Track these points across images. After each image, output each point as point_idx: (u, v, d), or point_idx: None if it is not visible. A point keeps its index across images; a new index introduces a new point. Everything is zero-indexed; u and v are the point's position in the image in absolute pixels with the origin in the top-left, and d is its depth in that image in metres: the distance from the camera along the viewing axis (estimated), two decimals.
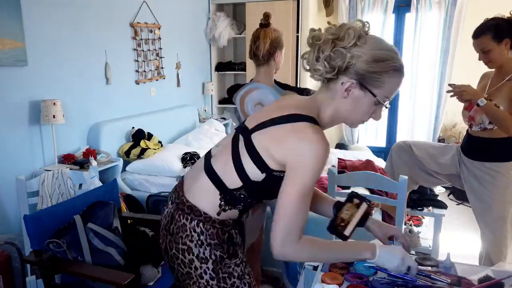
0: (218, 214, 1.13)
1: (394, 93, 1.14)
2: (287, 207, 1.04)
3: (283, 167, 1.04)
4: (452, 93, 2.01)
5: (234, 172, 1.09)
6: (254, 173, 1.07)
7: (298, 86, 2.09)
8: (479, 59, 2.06)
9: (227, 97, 5.10)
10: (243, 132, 1.12)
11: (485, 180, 2.06)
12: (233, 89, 2.08)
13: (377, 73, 1.07)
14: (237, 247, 1.20)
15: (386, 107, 1.11)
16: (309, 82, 4.25)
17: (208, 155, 1.20)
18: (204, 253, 1.13)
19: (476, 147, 2.11)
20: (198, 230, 1.13)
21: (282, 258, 1.09)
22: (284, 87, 2.05)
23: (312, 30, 1.07)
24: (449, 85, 2.00)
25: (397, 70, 1.13)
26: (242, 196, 1.11)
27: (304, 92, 2.00)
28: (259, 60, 1.98)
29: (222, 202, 1.12)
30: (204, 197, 1.14)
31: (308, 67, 1.09)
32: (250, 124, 1.12)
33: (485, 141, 2.05)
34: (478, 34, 2.01)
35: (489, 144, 2.04)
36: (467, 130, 2.19)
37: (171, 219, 1.18)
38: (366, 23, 1.10)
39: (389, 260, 1.14)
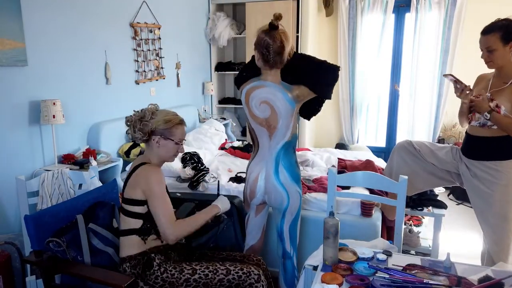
0: (138, 247, 1.68)
1: (184, 136, 1.77)
2: (157, 210, 1.63)
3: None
4: (458, 89, 2.03)
5: (132, 219, 1.67)
6: (139, 210, 1.66)
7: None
8: (482, 57, 2.05)
9: (227, 97, 5.11)
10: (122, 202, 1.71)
11: (485, 179, 2.06)
12: (241, 80, 2.04)
13: (169, 129, 1.70)
14: (148, 265, 1.68)
15: (182, 145, 1.76)
16: None
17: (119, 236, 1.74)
18: (135, 276, 1.65)
19: (476, 146, 2.11)
20: (128, 269, 1.66)
21: (176, 238, 1.62)
22: (292, 75, 1.94)
23: (126, 117, 1.72)
24: (457, 81, 2.00)
25: (179, 124, 1.74)
26: (148, 226, 1.68)
27: (324, 64, 2.06)
28: (270, 64, 1.88)
29: (141, 237, 1.67)
30: (127, 239, 1.68)
31: (131, 138, 1.71)
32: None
33: (485, 140, 2.05)
34: (488, 31, 2.00)
35: (489, 143, 2.04)
36: (466, 131, 2.19)
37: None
38: (155, 105, 1.78)
39: (224, 203, 1.84)
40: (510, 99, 1.94)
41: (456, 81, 2.05)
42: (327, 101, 2.09)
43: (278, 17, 1.86)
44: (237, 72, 2.16)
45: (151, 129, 1.68)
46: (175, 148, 1.73)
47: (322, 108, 2.09)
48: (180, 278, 1.65)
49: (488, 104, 1.94)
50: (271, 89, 1.91)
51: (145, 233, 1.66)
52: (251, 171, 2.03)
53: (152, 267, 1.66)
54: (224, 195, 1.95)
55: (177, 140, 1.72)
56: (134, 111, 1.74)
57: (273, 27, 1.86)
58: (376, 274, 1.39)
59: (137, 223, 1.65)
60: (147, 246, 1.67)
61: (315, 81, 1.94)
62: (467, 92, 2.03)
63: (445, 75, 2.10)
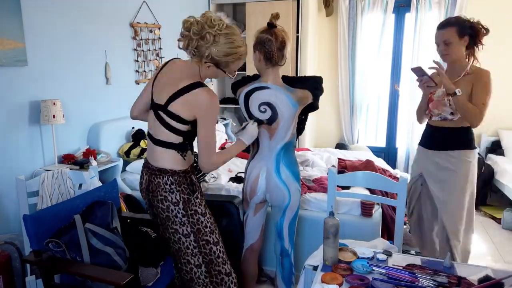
0: (181, 164, 1.65)
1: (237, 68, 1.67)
2: (205, 138, 1.59)
3: (195, 117, 1.58)
4: (431, 73, 2.12)
5: (172, 134, 1.60)
6: (183, 127, 1.60)
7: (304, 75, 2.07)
8: (437, 51, 2.18)
9: (227, 97, 5.11)
10: (160, 109, 1.60)
11: (446, 168, 2.17)
12: (238, 84, 2.06)
13: (226, 61, 1.57)
14: (195, 186, 1.70)
15: (231, 77, 1.69)
16: None
17: (149, 135, 1.69)
18: (175, 198, 1.62)
19: (437, 137, 2.23)
20: (168, 182, 1.63)
21: (212, 166, 1.64)
22: (291, 80, 1.98)
23: (184, 24, 1.55)
24: (435, 62, 2.08)
25: (239, 59, 1.61)
26: (186, 142, 1.65)
27: (311, 81, 1.97)
28: (272, 62, 1.89)
29: (180, 153, 1.64)
30: (166, 159, 1.63)
31: (182, 46, 1.58)
32: (161, 101, 1.60)
33: (446, 131, 2.20)
34: (445, 25, 2.12)
35: (450, 133, 2.19)
36: (428, 124, 2.32)
37: (148, 182, 1.67)
38: (219, 19, 1.54)
39: (249, 134, 1.84)
40: (466, 91, 2.08)
41: (424, 74, 2.11)
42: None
43: (275, 16, 1.90)
44: (237, 72, 2.15)
45: (207, 55, 1.53)
46: (222, 76, 1.65)
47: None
48: (204, 224, 1.67)
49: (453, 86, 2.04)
50: (273, 91, 1.90)
51: (183, 150, 1.64)
52: (251, 170, 2.03)
53: (195, 192, 1.66)
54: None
55: (230, 73, 1.64)
56: (192, 18, 1.55)
57: (271, 26, 1.89)
58: (374, 272, 1.39)
59: (177, 139, 1.62)
60: (187, 165, 1.67)
61: (315, 86, 1.96)
62: (431, 84, 2.10)
63: (413, 69, 2.15)
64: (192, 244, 1.66)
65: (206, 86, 1.58)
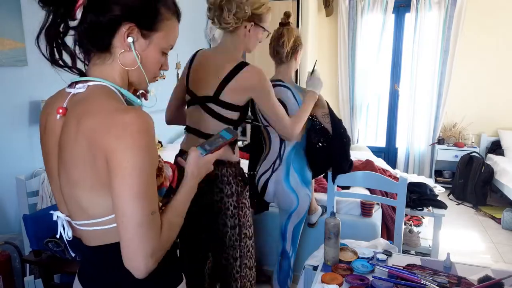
0: (234, 155, 1.57)
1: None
2: (274, 111, 1.58)
3: (248, 98, 1.52)
4: None
5: (223, 124, 1.48)
6: (235, 115, 1.52)
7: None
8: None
9: None
10: (208, 101, 1.49)
11: None
12: None
13: (263, 14, 1.51)
14: (246, 178, 1.62)
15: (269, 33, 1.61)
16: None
17: (195, 131, 1.57)
18: (230, 190, 1.55)
19: None
20: (226, 173, 1.54)
21: (296, 133, 1.68)
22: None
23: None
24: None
25: (269, 9, 1.54)
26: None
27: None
28: (282, 58, 1.92)
29: (231, 144, 1.51)
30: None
31: (218, 24, 1.47)
32: (208, 93, 1.49)
33: None
34: None
35: None
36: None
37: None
38: None
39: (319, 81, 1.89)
40: None
41: None
42: (327, 101, 2.11)
43: (288, 15, 1.98)
44: None
45: (246, 14, 1.44)
46: (259, 39, 1.56)
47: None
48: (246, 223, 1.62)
49: None
50: (284, 89, 1.91)
51: (234, 143, 1.57)
52: (260, 175, 2.03)
53: (247, 184, 1.62)
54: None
55: (267, 28, 1.57)
56: None
57: (281, 24, 1.97)
58: (375, 271, 1.39)
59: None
60: (237, 156, 1.61)
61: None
62: None
63: None
64: (235, 237, 1.60)
65: (249, 63, 1.49)
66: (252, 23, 1.49)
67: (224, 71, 1.45)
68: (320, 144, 1.95)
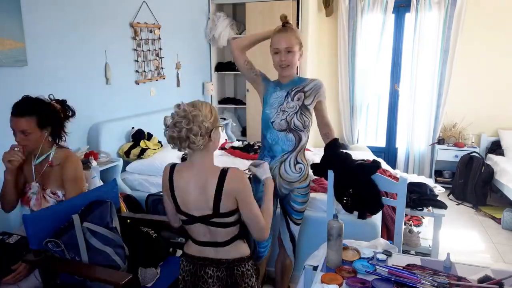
0: (247, 248, 1.59)
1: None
2: (253, 212, 1.50)
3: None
4: None
5: (232, 228, 1.51)
6: (236, 217, 1.51)
7: None
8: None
9: (227, 98, 5.11)
10: (211, 218, 1.48)
11: None
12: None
13: (217, 118, 1.50)
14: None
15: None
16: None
17: (206, 243, 1.54)
18: (253, 282, 1.56)
19: None
20: (249, 267, 1.56)
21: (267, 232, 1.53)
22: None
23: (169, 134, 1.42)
24: None
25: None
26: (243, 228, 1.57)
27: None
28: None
29: (244, 240, 1.57)
30: (237, 250, 1.53)
31: (189, 149, 1.43)
32: (205, 211, 1.47)
33: None
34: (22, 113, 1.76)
35: None
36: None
37: (229, 275, 1.53)
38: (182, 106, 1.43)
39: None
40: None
41: None
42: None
43: (284, 16, 2.01)
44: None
45: (209, 127, 1.43)
46: (220, 137, 1.55)
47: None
48: None
49: None
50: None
51: (245, 236, 1.57)
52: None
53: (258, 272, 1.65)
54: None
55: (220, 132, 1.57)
56: (167, 130, 1.42)
57: (283, 25, 2.01)
58: (377, 272, 1.39)
59: (236, 229, 1.53)
60: (248, 250, 1.59)
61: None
62: None
63: None
64: None
65: (229, 167, 1.47)
66: (213, 129, 1.45)
67: (212, 186, 1.43)
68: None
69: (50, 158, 1.86)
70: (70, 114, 1.93)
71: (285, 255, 2.22)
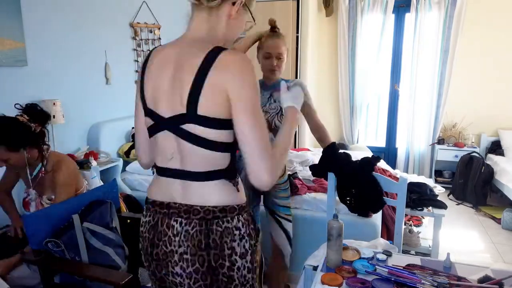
0: (239, 196, 1.07)
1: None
2: (255, 132, 0.98)
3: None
4: None
5: (216, 153, 1.02)
6: (227, 135, 1.02)
7: None
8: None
9: None
10: (184, 122, 1.00)
11: None
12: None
13: None
14: (256, 224, 1.14)
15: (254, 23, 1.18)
16: (309, 78, 4.25)
17: (173, 172, 1.06)
18: (244, 247, 1.07)
19: None
20: (239, 224, 1.06)
21: (273, 181, 0.98)
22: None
23: None
24: None
25: None
26: (233, 163, 1.08)
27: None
28: None
29: (232, 181, 1.05)
30: (219, 195, 1.04)
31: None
32: (177, 110, 1.00)
33: None
34: None
35: None
36: None
37: (205, 234, 1.03)
38: None
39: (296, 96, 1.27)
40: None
41: None
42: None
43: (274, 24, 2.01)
44: None
45: None
46: (244, 27, 1.14)
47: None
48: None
49: None
50: None
51: (234, 176, 1.07)
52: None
53: (260, 232, 1.15)
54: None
55: (254, 16, 1.16)
56: None
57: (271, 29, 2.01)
58: (376, 271, 1.39)
59: (223, 159, 1.03)
60: (243, 196, 1.10)
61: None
62: None
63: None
64: None
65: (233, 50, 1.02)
66: (243, 1, 1.07)
67: (193, 69, 0.96)
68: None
69: (43, 168, 1.88)
70: (44, 118, 1.84)
71: (282, 264, 2.17)
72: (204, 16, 1.06)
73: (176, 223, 1.03)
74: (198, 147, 0.99)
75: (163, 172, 1.08)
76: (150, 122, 1.08)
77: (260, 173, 0.96)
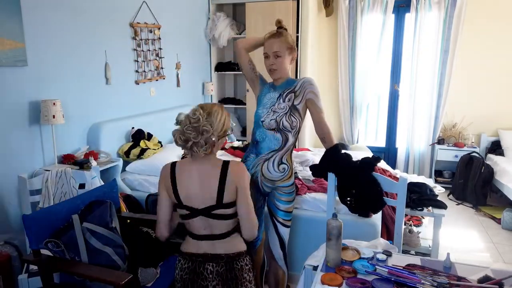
0: (244, 242, 1.62)
1: None
2: (248, 208, 1.56)
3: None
4: None
5: (231, 220, 1.57)
6: (234, 210, 1.56)
7: None
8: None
9: (227, 97, 5.10)
10: (214, 209, 1.52)
11: None
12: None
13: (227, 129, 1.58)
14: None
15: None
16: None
17: (206, 236, 1.56)
18: (250, 276, 1.60)
19: None
20: (247, 262, 1.61)
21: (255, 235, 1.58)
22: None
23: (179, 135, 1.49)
24: None
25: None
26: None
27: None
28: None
29: (241, 234, 1.58)
30: (235, 244, 1.58)
31: (192, 150, 1.48)
32: (209, 202, 1.52)
33: None
34: None
35: None
36: None
37: (229, 270, 1.55)
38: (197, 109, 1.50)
39: None
40: None
41: None
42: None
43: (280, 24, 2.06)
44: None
45: (215, 141, 1.50)
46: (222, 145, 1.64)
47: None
48: None
49: None
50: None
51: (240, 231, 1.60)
52: None
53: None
54: None
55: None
56: (175, 131, 1.51)
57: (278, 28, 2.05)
58: (377, 272, 1.39)
59: (235, 222, 1.58)
60: (245, 244, 1.63)
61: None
62: None
63: None
64: None
65: (229, 160, 1.57)
66: (219, 140, 1.54)
67: (216, 176, 1.50)
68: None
69: None
70: None
71: (276, 266, 2.17)
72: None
73: (209, 266, 1.53)
74: (222, 220, 1.53)
75: (197, 237, 1.56)
76: (185, 212, 1.54)
77: (253, 230, 1.55)
